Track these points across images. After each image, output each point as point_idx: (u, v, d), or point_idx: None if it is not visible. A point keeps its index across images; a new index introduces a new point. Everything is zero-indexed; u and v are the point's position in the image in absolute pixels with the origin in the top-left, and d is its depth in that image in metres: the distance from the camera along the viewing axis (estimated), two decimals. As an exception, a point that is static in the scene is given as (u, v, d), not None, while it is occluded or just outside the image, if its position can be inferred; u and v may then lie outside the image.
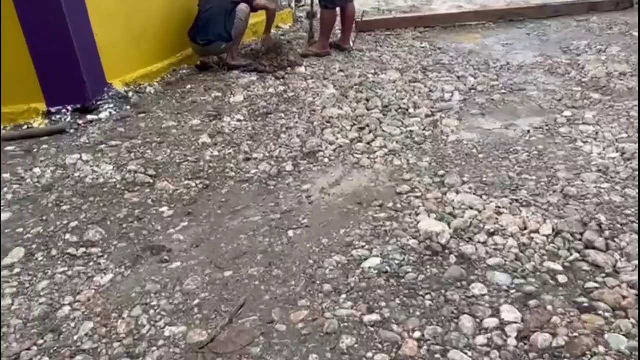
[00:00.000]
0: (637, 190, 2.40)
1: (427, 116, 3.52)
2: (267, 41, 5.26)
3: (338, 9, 5.03)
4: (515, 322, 1.70)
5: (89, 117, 3.85)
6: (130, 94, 4.18)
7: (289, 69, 4.69)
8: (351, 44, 5.26)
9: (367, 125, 3.45)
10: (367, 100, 3.90)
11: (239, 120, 3.68)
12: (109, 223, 2.49)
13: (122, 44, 4.24)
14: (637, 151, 2.74)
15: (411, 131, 3.32)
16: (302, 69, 4.68)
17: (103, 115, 3.88)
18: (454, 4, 6.81)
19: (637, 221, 2.16)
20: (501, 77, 4.14)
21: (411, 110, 3.63)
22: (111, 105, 4.00)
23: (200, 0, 4.63)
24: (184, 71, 4.80)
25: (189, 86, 4.40)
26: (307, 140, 3.28)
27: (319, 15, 5.31)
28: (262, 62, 4.75)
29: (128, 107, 4.02)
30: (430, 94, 3.90)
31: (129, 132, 3.59)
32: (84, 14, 3.82)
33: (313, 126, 3.52)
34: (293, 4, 6.73)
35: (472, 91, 3.92)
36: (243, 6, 4.62)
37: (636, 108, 3.32)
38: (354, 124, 3.51)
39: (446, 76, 4.25)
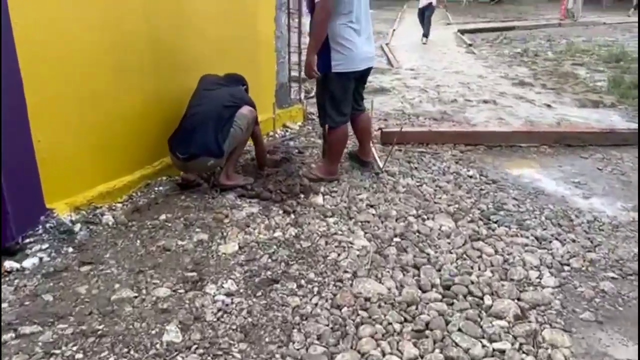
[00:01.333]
0: None
1: (516, 318, 2.31)
2: (271, 155, 4.15)
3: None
4: None
5: (8, 264, 2.59)
6: (78, 226, 2.94)
7: (301, 196, 3.52)
8: (377, 161, 4.15)
9: (427, 326, 2.25)
10: (417, 267, 2.71)
11: (228, 294, 2.45)
12: None
13: (74, 152, 3.06)
14: None
15: (501, 352, 2.10)
16: (318, 199, 3.51)
17: (29, 263, 2.63)
18: (492, 115, 5.82)
19: None
20: (597, 245, 2.99)
21: (488, 302, 2.43)
22: (45, 246, 2.75)
23: (191, 99, 3.52)
24: (161, 187, 3.60)
25: (163, 216, 3.19)
26: (334, 352, 2.06)
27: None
28: (267, 186, 3.58)
29: (70, 250, 2.77)
30: (508, 268, 2.72)
31: (57, 305, 2.32)
32: (22, 114, 2.65)
33: (341, 317, 2.30)
34: (302, 96, 5.70)
35: (567, 268, 2.75)
36: (245, 110, 3.50)
37: None
38: (404, 319, 2.30)
39: (520, 235, 3.09)
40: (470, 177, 4.05)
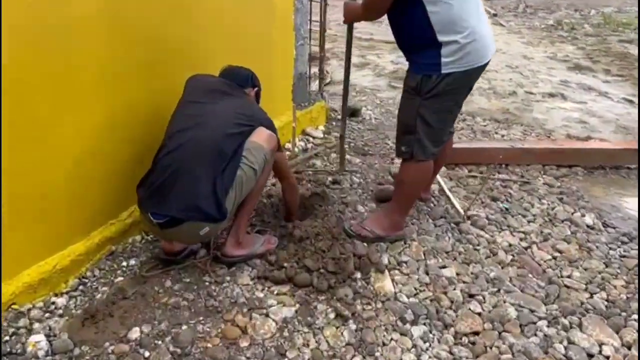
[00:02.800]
0: None
1: None
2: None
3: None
4: None
5: None
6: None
7: (357, 276, 2.21)
8: (454, 202, 2.84)
9: None
10: None
11: None
12: None
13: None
14: None
15: None
16: (386, 283, 2.20)
17: None
18: (567, 116, 4.50)
19: None
20: None
21: None
22: None
23: (172, 120, 2.15)
24: (132, 261, 2.25)
25: (134, 333, 1.85)
26: None
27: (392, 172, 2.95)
28: (302, 257, 2.24)
29: None
30: None
31: None
32: None
33: None
34: (323, 88, 4.29)
35: None
36: (261, 137, 2.14)
37: None
38: None
39: None
40: (591, 228, 2.77)
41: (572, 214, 2.89)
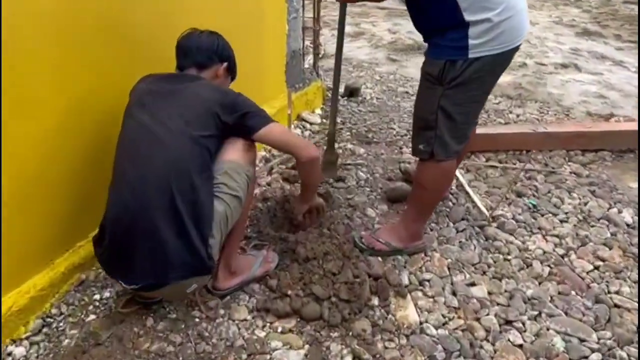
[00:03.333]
0: None
1: None
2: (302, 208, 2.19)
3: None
4: None
5: None
6: None
7: (374, 302, 1.87)
8: (478, 203, 2.50)
9: None
10: None
11: None
12: None
13: None
14: None
15: None
16: (409, 310, 1.87)
17: None
18: (584, 90, 4.13)
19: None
20: None
21: None
22: None
23: (119, 150, 1.64)
24: (107, 292, 1.88)
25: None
26: None
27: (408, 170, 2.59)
28: (309, 282, 1.88)
29: None
30: None
31: None
32: None
33: None
34: (318, 66, 3.87)
35: None
36: (237, 151, 1.70)
37: None
38: None
39: None
40: (632, 227, 2.44)
41: (608, 209, 2.56)
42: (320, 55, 4.06)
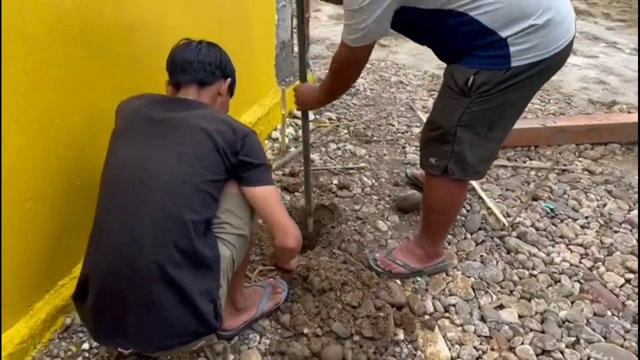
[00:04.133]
0: None
1: None
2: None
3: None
4: None
5: None
6: None
7: (400, 337, 1.69)
8: (494, 209, 2.33)
9: None
10: None
11: None
12: None
13: None
14: None
15: None
16: (439, 345, 1.69)
17: None
18: (583, 75, 3.98)
19: None
20: None
21: None
22: None
23: (101, 196, 1.35)
24: (85, 348, 1.64)
25: None
26: None
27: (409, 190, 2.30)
28: (326, 316, 1.68)
29: None
30: None
31: None
32: None
33: None
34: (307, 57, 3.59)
35: None
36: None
37: None
38: None
39: None
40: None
41: (629, 211, 2.42)
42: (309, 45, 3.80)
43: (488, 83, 1.53)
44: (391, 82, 3.82)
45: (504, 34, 1.46)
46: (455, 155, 1.68)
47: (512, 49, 1.48)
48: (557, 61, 1.56)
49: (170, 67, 1.49)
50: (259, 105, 2.92)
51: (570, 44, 1.57)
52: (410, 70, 4.04)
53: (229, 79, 1.55)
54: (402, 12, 1.49)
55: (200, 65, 1.46)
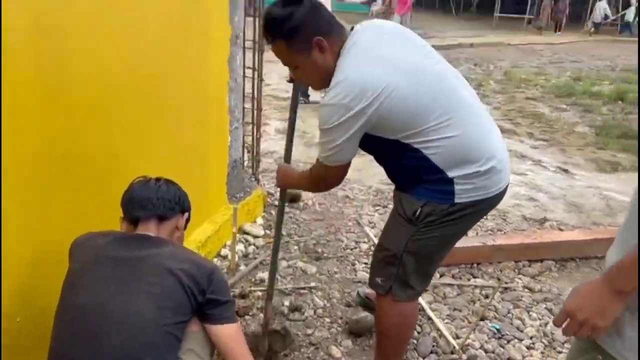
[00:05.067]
0: None
1: None
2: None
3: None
4: None
5: None
6: None
7: None
8: (444, 331, 2.36)
9: None
10: None
11: None
12: None
13: None
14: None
15: None
16: None
17: None
18: (514, 192, 4.28)
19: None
20: None
21: None
22: None
23: (59, 346, 1.30)
24: None
25: None
26: None
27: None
28: None
29: None
30: None
31: None
32: None
33: None
34: (258, 171, 3.69)
35: None
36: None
37: None
38: None
39: None
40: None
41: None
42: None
43: (434, 215, 1.67)
44: (338, 197, 3.95)
45: (451, 174, 1.62)
46: (400, 278, 1.79)
47: (457, 187, 1.64)
48: (495, 201, 1.74)
49: (127, 204, 1.51)
50: (210, 223, 2.93)
51: (506, 188, 1.77)
52: (355, 184, 4.21)
53: (186, 214, 1.60)
54: (367, 137, 1.63)
55: (160, 201, 1.50)
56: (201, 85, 2.63)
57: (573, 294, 1.14)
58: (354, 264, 2.97)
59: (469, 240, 3.16)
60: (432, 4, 30.55)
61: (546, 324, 2.55)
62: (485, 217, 3.74)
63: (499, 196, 1.73)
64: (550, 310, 2.68)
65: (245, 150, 3.66)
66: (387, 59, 1.59)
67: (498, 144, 1.73)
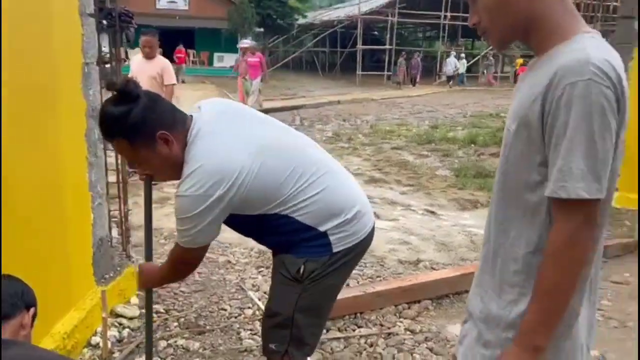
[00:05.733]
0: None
1: None
2: None
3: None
4: None
5: None
6: None
7: None
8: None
9: None
10: None
11: None
12: None
13: None
14: None
15: None
16: None
17: None
18: (389, 237, 4.50)
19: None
20: None
21: None
22: None
23: None
24: None
25: None
26: None
27: None
28: None
29: None
30: None
31: None
32: None
33: None
34: (129, 248, 3.49)
35: None
36: None
37: None
38: None
39: None
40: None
41: (450, 367, 2.64)
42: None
43: (317, 269, 1.73)
44: (219, 263, 3.85)
45: (322, 228, 1.70)
46: (295, 339, 1.79)
47: (332, 238, 1.72)
48: (367, 242, 1.84)
49: None
50: (76, 310, 2.68)
51: (374, 228, 1.88)
52: (236, 248, 4.14)
53: (32, 309, 1.45)
54: (233, 217, 1.66)
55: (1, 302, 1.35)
56: (53, 163, 2.47)
57: None
58: (239, 333, 2.88)
59: (351, 290, 3.23)
60: (299, 66, 32.18)
61: (432, 365, 2.65)
62: (364, 264, 3.89)
63: (370, 237, 1.84)
64: (431, 350, 2.79)
65: (115, 226, 3.46)
66: (236, 141, 1.64)
67: (356, 190, 1.86)
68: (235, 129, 1.68)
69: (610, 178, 1.08)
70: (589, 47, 1.06)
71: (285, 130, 1.84)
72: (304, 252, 1.72)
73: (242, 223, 1.75)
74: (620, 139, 1.11)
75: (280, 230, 1.72)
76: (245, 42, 14.06)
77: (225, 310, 3.14)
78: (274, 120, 1.86)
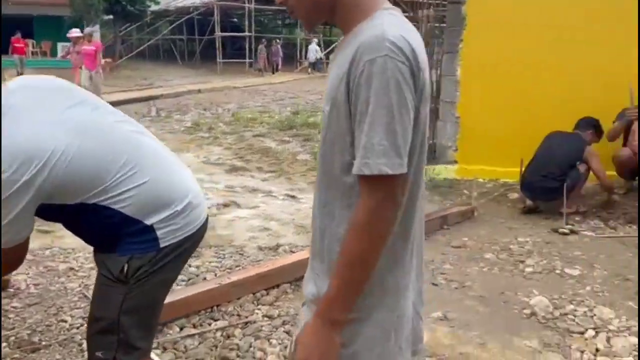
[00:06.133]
0: None
1: None
2: None
3: None
4: None
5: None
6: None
7: None
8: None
9: None
10: None
11: None
12: None
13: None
14: None
15: None
16: None
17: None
18: (249, 225, 4.45)
19: None
20: None
21: None
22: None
23: None
24: None
25: None
26: None
27: None
28: None
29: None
30: None
31: None
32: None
33: None
34: None
35: None
36: None
37: None
38: None
39: None
40: None
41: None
42: None
43: (144, 266, 1.58)
44: (60, 271, 3.50)
45: (149, 221, 1.57)
46: (123, 344, 1.63)
47: (159, 232, 1.59)
48: (199, 235, 1.74)
49: None
50: None
51: (207, 220, 1.77)
52: (80, 253, 3.80)
53: None
54: (46, 207, 1.49)
55: None
56: None
57: (299, 343, 1.16)
58: (81, 344, 2.62)
59: (206, 283, 3.13)
60: (156, 54, 30.65)
61: (285, 347, 2.64)
62: (222, 255, 3.79)
63: (203, 229, 1.74)
64: (288, 333, 2.79)
65: None
66: (48, 118, 1.47)
67: (189, 180, 1.74)
68: (49, 105, 1.51)
69: (413, 153, 1.10)
70: (386, 24, 1.07)
71: (115, 115, 1.69)
72: (127, 249, 1.58)
73: (61, 217, 1.60)
74: (422, 114, 1.14)
75: (102, 224, 1.57)
76: (75, 31, 12.80)
77: (66, 321, 2.85)
78: (106, 105, 1.71)
